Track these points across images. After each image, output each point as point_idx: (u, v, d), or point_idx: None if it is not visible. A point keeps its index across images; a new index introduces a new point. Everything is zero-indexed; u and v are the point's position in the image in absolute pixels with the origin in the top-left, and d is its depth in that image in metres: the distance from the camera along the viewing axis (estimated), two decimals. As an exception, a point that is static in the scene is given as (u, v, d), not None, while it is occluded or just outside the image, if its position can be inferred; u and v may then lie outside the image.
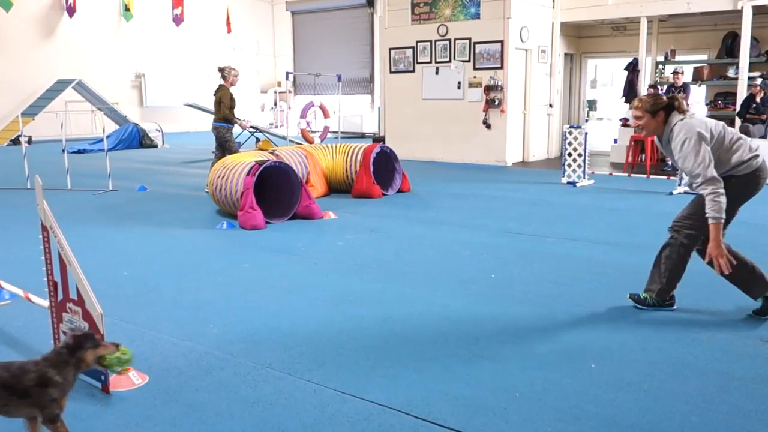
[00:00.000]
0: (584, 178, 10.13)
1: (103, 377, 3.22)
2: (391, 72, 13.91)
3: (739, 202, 4.08)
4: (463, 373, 3.41)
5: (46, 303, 3.59)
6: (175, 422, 2.95)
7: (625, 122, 12.85)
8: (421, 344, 3.81)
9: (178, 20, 22.26)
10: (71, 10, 19.76)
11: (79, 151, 15.37)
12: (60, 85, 18.86)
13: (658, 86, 12.47)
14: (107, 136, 12.42)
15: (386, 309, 4.43)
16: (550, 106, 13.89)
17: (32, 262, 5.48)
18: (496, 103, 12.49)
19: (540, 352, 3.68)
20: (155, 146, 17.16)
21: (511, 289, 4.86)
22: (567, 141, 10.15)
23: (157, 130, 17.56)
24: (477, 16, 12.55)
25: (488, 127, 12.70)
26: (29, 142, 15.30)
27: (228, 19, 23.93)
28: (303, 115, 18.05)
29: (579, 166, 10.11)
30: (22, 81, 18.93)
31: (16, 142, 16.89)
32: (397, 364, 3.53)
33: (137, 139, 16.95)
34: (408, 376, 3.39)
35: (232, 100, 9.35)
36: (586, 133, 10.08)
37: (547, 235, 6.62)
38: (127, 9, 21.07)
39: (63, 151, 10.08)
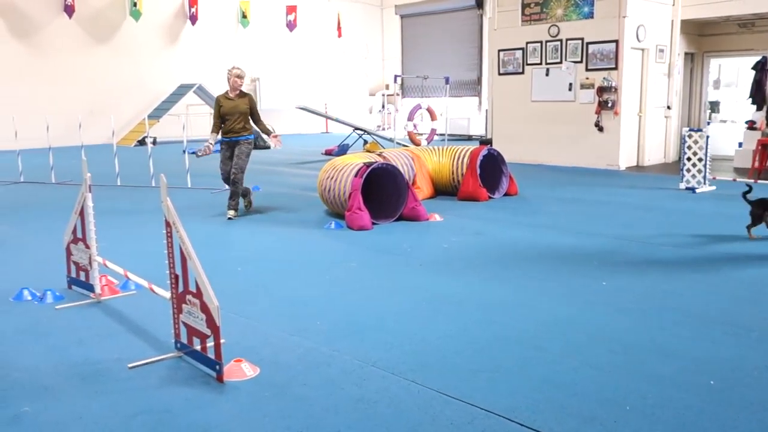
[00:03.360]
0: (705, 183, 9.60)
1: (217, 367, 3.38)
2: (499, 74, 13.75)
3: None
4: (570, 382, 3.32)
5: (167, 294, 3.81)
6: (284, 414, 3.05)
7: (751, 125, 12.07)
8: (526, 350, 3.75)
9: (291, 26, 23.01)
10: (194, 19, 20.88)
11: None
12: (182, 89, 19.97)
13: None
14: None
15: (490, 312, 4.39)
16: (668, 107, 13.26)
17: (156, 255, 5.82)
18: (609, 104, 12.07)
19: (653, 365, 3.53)
20: (268, 147, 17.79)
21: (623, 298, 4.68)
22: (686, 145, 9.66)
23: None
24: (590, 15, 12.18)
25: (600, 129, 12.29)
26: (154, 143, 16.27)
27: (339, 23, 24.48)
28: (410, 118, 18.18)
29: (699, 171, 9.60)
30: (148, 85, 20.20)
31: (142, 142, 18.02)
32: (501, 369, 3.49)
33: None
34: (512, 381, 3.34)
35: (220, 107, 7.73)
36: (707, 137, 9.55)
37: (662, 243, 6.33)
38: (244, 16, 22.01)
39: (184, 151, 10.64)
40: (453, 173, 9.14)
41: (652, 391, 3.21)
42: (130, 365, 3.59)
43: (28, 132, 14.34)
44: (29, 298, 4.78)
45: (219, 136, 7.86)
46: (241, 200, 8.09)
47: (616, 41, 11.89)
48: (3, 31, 17.56)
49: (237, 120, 7.68)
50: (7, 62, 17.59)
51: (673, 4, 12.74)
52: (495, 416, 3.00)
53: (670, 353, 3.68)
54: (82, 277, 4.88)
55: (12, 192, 10.18)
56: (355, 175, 7.23)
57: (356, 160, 7.83)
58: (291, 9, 22.88)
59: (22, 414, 3.07)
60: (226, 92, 7.80)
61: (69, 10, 18.35)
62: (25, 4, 17.85)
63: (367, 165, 7.34)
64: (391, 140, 16.00)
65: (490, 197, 8.98)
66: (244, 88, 7.98)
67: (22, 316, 4.43)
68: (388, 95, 24.46)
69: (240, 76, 7.69)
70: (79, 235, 4.81)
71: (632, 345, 3.81)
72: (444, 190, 9.32)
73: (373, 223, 7.21)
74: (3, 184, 10.95)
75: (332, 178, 7.59)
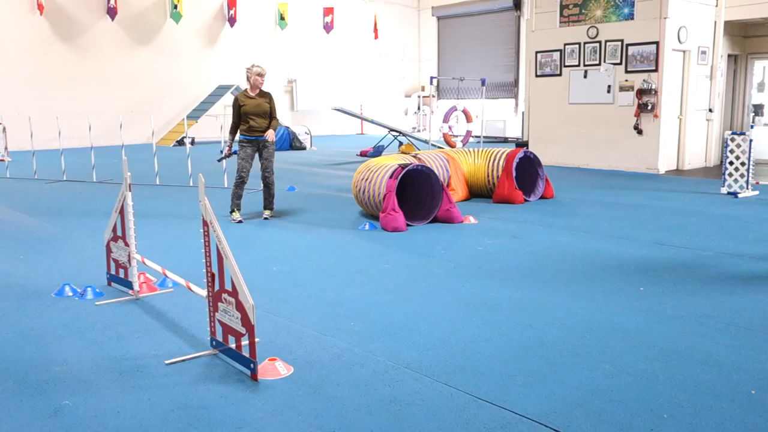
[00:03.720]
0: (747, 188, 9.38)
1: (252, 365, 3.41)
2: (536, 76, 13.64)
3: None
4: (606, 389, 3.28)
5: (204, 292, 3.86)
6: (317, 413, 3.06)
7: (796, 129, 11.76)
8: (562, 355, 3.70)
9: (328, 27, 23.15)
10: (232, 21, 21.14)
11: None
12: (220, 90, 20.23)
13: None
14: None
15: (525, 317, 4.35)
16: (710, 110, 13.00)
17: (193, 253, 5.92)
18: (649, 107, 11.87)
19: (692, 373, 3.46)
20: (304, 148, 17.94)
21: (662, 305, 4.59)
22: (728, 148, 9.46)
23: (306, 133, 18.36)
24: (631, 16, 12.00)
25: (639, 132, 12.10)
26: (192, 143, 16.52)
27: (375, 25, 24.55)
28: (446, 119, 18.14)
29: (741, 175, 9.38)
30: (187, 86, 20.52)
31: (181, 143, 18.31)
32: (536, 374, 3.45)
33: (288, 142, 17.79)
34: (547, 386, 3.31)
35: (241, 106, 7.52)
36: (750, 140, 9.34)
37: (702, 249, 6.20)
38: (282, 18, 22.22)
39: (221, 152, 10.77)
40: (488, 175, 9.09)
41: (691, 400, 3.15)
42: (166, 362, 3.65)
43: (71, 131, 14.70)
44: (70, 293, 4.90)
45: (237, 136, 7.72)
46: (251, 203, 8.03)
47: (657, 43, 11.70)
48: (48, 34, 18.01)
49: (261, 119, 7.55)
50: (51, 63, 18.04)
51: (716, 5, 12.49)
52: (529, 421, 2.97)
53: (710, 361, 3.61)
54: (122, 274, 4.98)
55: (55, 190, 10.43)
56: (390, 177, 7.24)
57: (391, 161, 7.84)
58: (328, 11, 23.03)
59: (63, 407, 3.14)
60: (246, 91, 7.63)
61: (112, 12, 18.74)
62: (70, 7, 18.28)
63: (402, 166, 7.34)
64: (426, 142, 15.98)
65: (525, 200, 8.91)
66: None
67: (63, 312, 4.54)
68: (423, 97, 24.44)
69: (261, 74, 7.52)
70: (119, 233, 4.91)
71: (671, 352, 3.74)
72: (479, 192, 9.27)
73: (408, 225, 7.21)
74: (46, 182, 11.23)
75: (367, 179, 7.61)
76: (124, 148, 10.73)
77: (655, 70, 11.80)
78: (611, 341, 3.91)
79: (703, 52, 12.53)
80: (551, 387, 3.30)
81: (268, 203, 7.88)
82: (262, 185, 7.90)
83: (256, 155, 7.75)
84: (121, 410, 3.10)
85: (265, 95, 7.65)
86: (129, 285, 4.88)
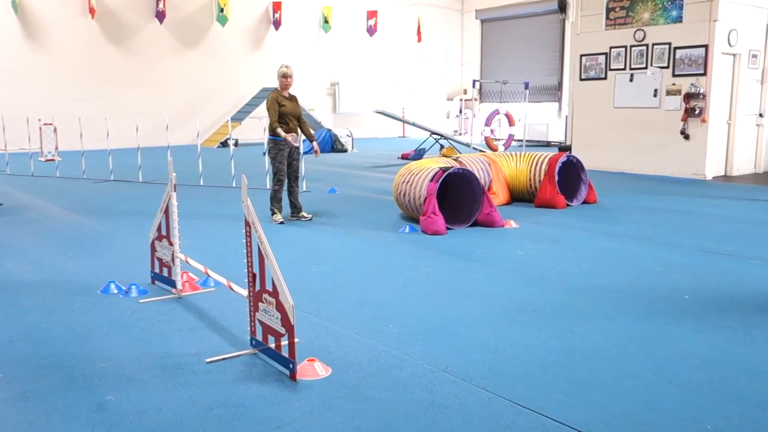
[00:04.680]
0: (799, 195, 9.09)
1: (291, 365, 3.45)
2: (581, 79, 13.46)
3: None
4: (648, 398, 3.21)
5: (245, 292, 3.91)
6: (354, 415, 3.07)
7: None
8: (603, 362, 3.64)
9: (371, 31, 23.24)
10: (277, 24, 21.40)
11: (265, 154, 16.50)
12: (264, 93, 20.47)
13: None
14: (303, 141, 13.23)
15: (566, 323, 4.30)
16: (760, 115, 12.64)
17: (235, 253, 6.00)
18: (697, 111, 11.60)
19: (738, 384, 3.36)
20: (345, 151, 18.02)
21: (707, 313, 4.48)
22: (780, 154, 9.18)
23: (347, 135, 18.45)
24: (679, 19, 11.75)
25: (686, 137, 11.83)
26: (236, 144, 16.75)
27: (419, 28, 24.55)
28: (488, 123, 18.03)
29: (793, 182, 9.10)
30: (232, 88, 20.84)
31: (225, 144, 18.58)
32: (576, 381, 3.41)
33: (330, 144, 17.91)
34: (588, 394, 3.26)
35: (280, 106, 7.56)
36: (803, 146, 9.05)
37: (751, 257, 6.03)
38: (326, 21, 22.39)
39: (264, 153, 10.89)
40: (530, 180, 9.00)
41: (736, 411, 3.07)
42: (207, 360, 3.70)
43: (119, 132, 15.05)
44: (115, 291, 5.01)
45: (267, 137, 7.76)
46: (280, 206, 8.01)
47: (706, 46, 11.43)
48: (99, 37, 18.50)
49: (295, 121, 7.67)
50: (101, 66, 18.52)
51: (769, 7, 12.16)
52: (568, 429, 2.93)
53: (757, 371, 3.51)
54: (165, 273, 5.08)
55: (102, 190, 10.70)
56: (431, 180, 7.23)
57: (432, 164, 7.82)
58: (372, 14, 23.13)
59: (106, 402, 3.22)
60: (279, 91, 7.64)
61: (160, 15, 19.15)
62: (120, 11, 18.75)
63: (443, 170, 7.33)
64: (467, 145, 15.91)
65: (568, 205, 8.79)
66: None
67: (108, 309, 4.65)
68: (465, 100, 24.34)
69: (285, 75, 7.52)
70: (164, 232, 5.01)
71: (716, 362, 3.65)
72: (520, 196, 9.19)
73: (448, 228, 7.18)
74: (94, 181, 11.52)
75: (408, 182, 7.62)
76: (169, 149, 10.94)
77: (704, 74, 11.53)
78: (654, 349, 3.83)
79: (754, 56, 12.20)
80: (592, 395, 3.25)
81: (297, 196, 7.92)
82: (288, 183, 7.89)
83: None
84: (162, 407, 3.16)
85: (294, 98, 7.77)
86: (172, 284, 4.98)
